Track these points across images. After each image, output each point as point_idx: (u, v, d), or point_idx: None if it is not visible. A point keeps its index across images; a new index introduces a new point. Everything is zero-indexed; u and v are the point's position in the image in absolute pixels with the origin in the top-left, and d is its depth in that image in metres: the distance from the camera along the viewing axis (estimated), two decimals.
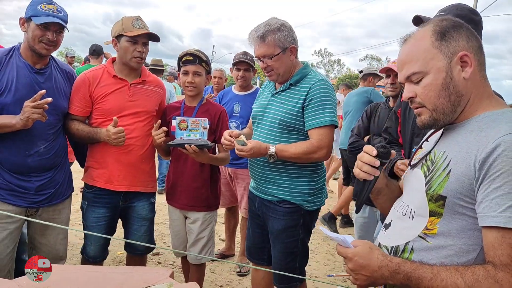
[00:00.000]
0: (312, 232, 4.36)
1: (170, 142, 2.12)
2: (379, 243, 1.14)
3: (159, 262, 3.29)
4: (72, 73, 2.20)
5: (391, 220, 1.14)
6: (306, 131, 1.93)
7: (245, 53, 3.19)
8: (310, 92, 1.89)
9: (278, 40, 1.89)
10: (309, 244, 3.84)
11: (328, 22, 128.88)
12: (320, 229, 1.32)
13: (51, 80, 2.01)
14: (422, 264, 0.95)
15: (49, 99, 1.81)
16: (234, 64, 3.22)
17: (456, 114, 1.03)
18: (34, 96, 1.79)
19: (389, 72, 2.54)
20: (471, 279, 0.87)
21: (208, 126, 2.11)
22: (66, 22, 1.97)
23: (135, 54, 2.12)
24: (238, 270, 3.22)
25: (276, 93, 2.02)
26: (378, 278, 0.99)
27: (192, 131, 2.10)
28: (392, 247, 1.08)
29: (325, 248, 3.89)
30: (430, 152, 1.08)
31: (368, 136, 2.64)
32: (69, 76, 2.16)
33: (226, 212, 3.51)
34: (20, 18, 1.96)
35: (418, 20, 1.74)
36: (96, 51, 5.08)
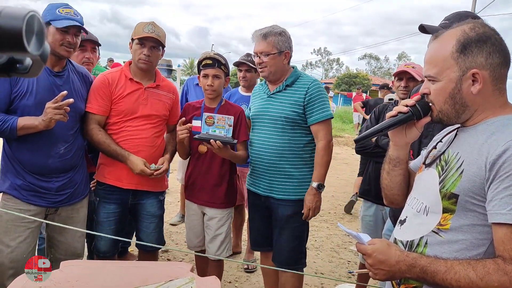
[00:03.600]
0: (317, 229, 4.44)
1: (197, 136, 2.18)
2: (395, 238, 1.22)
3: (168, 259, 3.37)
4: (88, 76, 2.26)
5: (406, 216, 1.21)
6: (309, 125, 2.16)
7: (247, 55, 3.30)
8: (309, 91, 2.14)
9: (277, 42, 2.14)
10: (313, 242, 3.96)
11: (325, 21, 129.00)
12: (338, 225, 1.39)
13: (69, 83, 2.07)
14: (436, 259, 1.03)
15: (71, 100, 1.87)
16: (236, 65, 3.33)
17: (460, 120, 1.12)
18: (56, 98, 1.84)
19: (402, 75, 2.60)
20: (482, 272, 0.95)
21: (232, 124, 2.21)
22: (83, 24, 2.03)
23: (141, 57, 2.19)
24: (246, 267, 3.30)
25: (272, 94, 2.23)
26: (396, 272, 1.07)
27: (218, 127, 2.19)
28: (407, 241, 1.15)
29: (329, 246, 3.97)
30: (444, 152, 1.15)
31: (376, 137, 2.72)
32: (85, 79, 2.22)
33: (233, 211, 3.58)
34: None
35: (423, 30, 1.82)
36: None
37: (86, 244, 2.52)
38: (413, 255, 1.06)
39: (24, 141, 1.94)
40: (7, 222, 1.96)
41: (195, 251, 2.49)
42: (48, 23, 1.95)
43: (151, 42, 2.20)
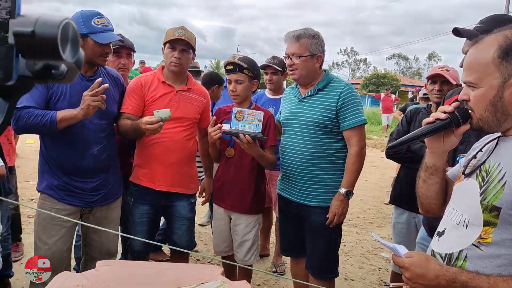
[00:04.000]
0: (346, 234, 4.37)
1: (226, 130, 2.18)
2: (432, 250, 1.18)
3: (197, 259, 3.41)
4: (119, 78, 2.32)
5: (445, 228, 1.17)
6: (341, 131, 2.11)
7: (273, 57, 3.30)
8: (342, 96, 2.09)
9: (310, 45, 2.11)
10: (342, 247, 3.91)
11: (352, 20, 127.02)
12: (371, 235, 1.37)
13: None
14: (478, 274, 0.99)
15: (106, 85, 1.90)
16: (262, 68, 3.33)
17: (502, 128, 1.07)
18: (92, 85, 1.89)
19: (435, 78, 2.52)
20: None
21: (262, 119, 2.18)
22: (113, 31, 2.08)
23: (172, 60, 2.23)
24: (274, 269, 3.29)
25: (304, 98, 2.19)
26: (434, 287, 1.03)
27: (248, 122, 2.18)
28: (446, 254, 1.11)
29: (359, 251, 3.90)
30: (484, 162, 1.11)
31: None
32: (117, 82, 2.27)
33: None
34: None
35: (457, 33, 1.76)
36: None
37: (120, 242, 2.60)
38: (453, 269, 1.03)
39: (60, 142, 2.02)
40: (44, 220, 2.05)
41: (222, 257, 2.50)
42: (86, 35, 1.96)
43: (181, 45, 2.24)
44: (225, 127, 2.23)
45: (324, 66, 2.28)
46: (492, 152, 1.12)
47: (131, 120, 2.21)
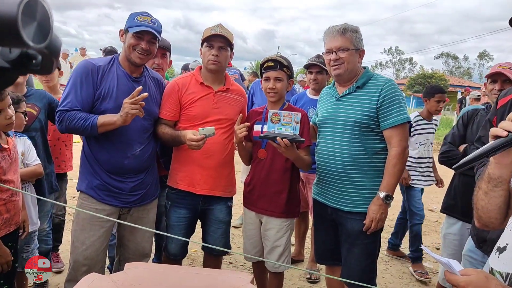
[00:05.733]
0: (386, 242, 4.16)
1: (262, 134, 2.12)
2: (491, 268, 1.03)
3: (230, 262, 3.37)
4: (161, 81, 2.33)
5: (507, 244, 1.03)
6: (382, 130, 1.99)
7: (318, 56, 3.18)
8: (383, 93, 1.97)
9: (354, 39, 2.03)
10: (382, 255, 3.70)
11: (396, 19, 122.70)
12: (423, 248, 1.23)
13: (146, 88, 2.11)
14: None
15: (145, 94, 1.92)
16: (306, 67, 3.21)
17: None
18: (132, 93, 1.91)
19: (496, 77, 2.30)
20: None
21: (299, 121, 2.06)
22: (159, 32, 2.07)
23: (210, 57, 2.19)
24: (308, 276, 3.17)
25: (341, 97, 2.08)
26: None
27: (284, 125, 2.06)
28: (508, 273, 0.97)
29: (399, 261, 3.68)
30: None
31: (465, 145, 2.43)
32: (159, 84, 2.29)
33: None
34: (120, 30, 2.12)
35: None
36: None
37: (154, 243, 2.59)
38: None
39: (103, 142, 2.05)
40: (83, 220, 2.07)
41: (253, 263, 2.42)
42: (127, 30, 2.05)
43: (219, 42, 2.19)
44: (256, 128, 2.14)
45: (366, 66, 2.15)
46: None
47: (168, 126, 2.21)
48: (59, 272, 2.96)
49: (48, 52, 0.39)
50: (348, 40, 2.01)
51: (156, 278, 1.54)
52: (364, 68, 2.14)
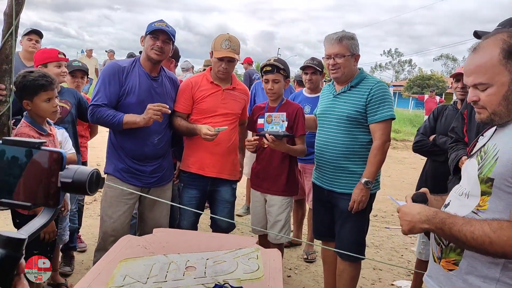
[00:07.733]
0: (378, 229, 4.50)
1: (256, 134, 2.53)
2: None
3: None
4: (176, 80, 2.69)
5: (450, 200, 1.37)
6: (368, 125, 2.29)
7: (313, 59, 3.55)
8: (372, 92, 2.28)
9: (350, 45, 2.32)
10: (373, 240, 4.04)
11: (395, 21, 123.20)
12: (392, 200, 1.56)
13: (163, 86, 2.50)
14: (456, 215, 1.20)
15: (168, 108, 2.30)
16: (302, 69, 3.58)
17: (510, 118, 1.24)
18: (159, 104, 2.28)
19: (459, 77, 2.66)
20: (496, 226, 1.10)
21: (285, 119, 2.47)
22: (172, 35, 2.43)
23: (220, 69, 2.56)
24: (305, 257, 3.51)
25: (338, 94, 2.41)
26: (416, 222, 1.24)
27: (275, 124, 2.49)
28: None
29: (389, 245, 4.01)
30: (484, 145, 1.29)
31: (433, 136, 2.79)
32: (174, 83, 2.65)
33: (294, 204, 3.82)
34: (141, 36, 2.48)
35: (477, 36, 1.91)
36: None
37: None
38: (435, 209, 1.25)
39: (127, 132, 2.40)
40: (111, 197, 2.43)
41: (259, 235, 2.78)
42: (146, 35, 2.43)
43: (228, 58, 2.54)
44: (260, 121, 2.55)
45: (366, 68, 2.51)
46: (491, 136, 1.29)
47: (183, 118, 2.58)
48: (83, 252, 3.32)
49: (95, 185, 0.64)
50: (345, 47, 2.30)
51: (180, 239, 1.88)
52: (359, 69, 2.45)
